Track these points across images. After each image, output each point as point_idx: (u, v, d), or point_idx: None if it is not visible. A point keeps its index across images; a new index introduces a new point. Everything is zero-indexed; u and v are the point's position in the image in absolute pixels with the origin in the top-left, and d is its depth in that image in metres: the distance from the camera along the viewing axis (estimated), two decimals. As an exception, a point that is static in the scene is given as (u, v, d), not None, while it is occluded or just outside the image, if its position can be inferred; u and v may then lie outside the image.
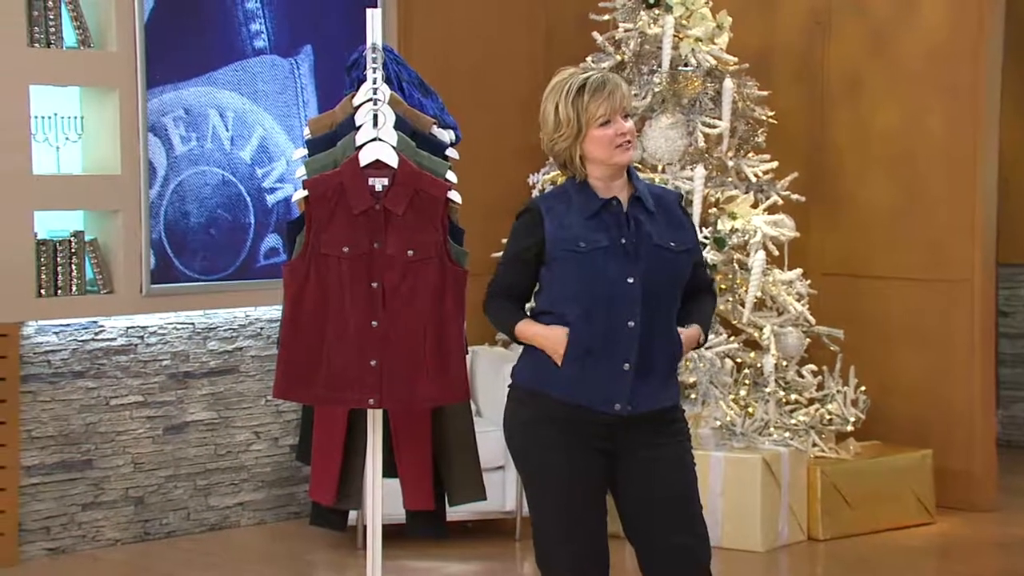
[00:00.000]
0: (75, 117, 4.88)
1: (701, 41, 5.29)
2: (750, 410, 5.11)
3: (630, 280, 2.89)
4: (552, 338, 2.93)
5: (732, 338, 5.20)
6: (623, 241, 2.91)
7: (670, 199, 3.04)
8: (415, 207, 3.41)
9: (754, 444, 5.03)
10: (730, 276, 5.24)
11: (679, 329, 2.98)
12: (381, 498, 3.49)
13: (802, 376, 5.30)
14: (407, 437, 3.56)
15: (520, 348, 3.06)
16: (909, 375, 5.63)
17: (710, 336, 4.96)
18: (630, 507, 2.97)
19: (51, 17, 4.76)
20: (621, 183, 2.98)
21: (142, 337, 5.05)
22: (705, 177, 5.22)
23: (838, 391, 5.32)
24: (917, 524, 5.27)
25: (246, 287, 5.17)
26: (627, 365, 2.90)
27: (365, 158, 3.41)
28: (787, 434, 5.11)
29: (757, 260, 5.12)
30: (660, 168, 5.34)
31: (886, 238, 5.71)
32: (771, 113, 5.48)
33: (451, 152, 3.59)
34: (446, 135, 3.60)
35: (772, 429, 5.11)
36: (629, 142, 2.94)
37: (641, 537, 2.98)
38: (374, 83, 3.43)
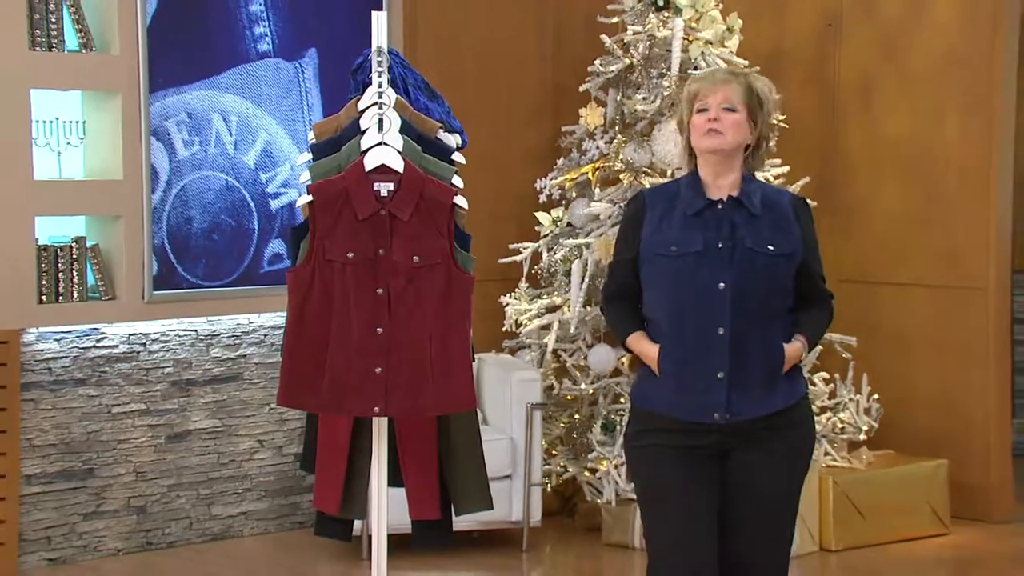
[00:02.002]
0: (77, 121, 4.86)
1: (711, 44, 5.26)
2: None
3: (721, 285, 2.86)
4: (649, 356, 2.94)
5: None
6: (719, 245, 2.88)
7: (783, 201, 2.99)
8: (421, 212, 3.38)
9: (765, 453, 4.98)
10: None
11: (787, 346, 2.93)
12: (386, 507, 3.46)
13: (814, 384, 5.25)
14: (412, 445, 3.54)
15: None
16: (923, 384, 5.58)
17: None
18: (721, 518, 2.95)
19: (53, 20, 4.73)
20: (732, 182, 2.94)
21: (144, 344, 5.01)
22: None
23: (851, 399, 5.28)
24: (931, 535, 5.22)
25: (250, 293, 5.14)
26: (721, 374, 2.87)
27: (370, 163, 3.38)
28: (799, 443, 5.06)
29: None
30: (670, 172, 5.30)
31: (900, 244, 5.66)
32: (782, 117, 5.42)
33: (457, 156, 3.57)
34: (452, 139, 3.58)
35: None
36: (715, 129, 2.90)
37: (722, 551, 2.94)
38: (379, 87, 3.41)
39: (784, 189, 3.13)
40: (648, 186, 5.14)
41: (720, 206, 2.92)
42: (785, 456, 2.92)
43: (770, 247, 2.89)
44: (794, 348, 2.94)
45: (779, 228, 2.93)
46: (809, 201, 5.26)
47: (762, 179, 5.21)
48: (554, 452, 5.29)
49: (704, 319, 2.87)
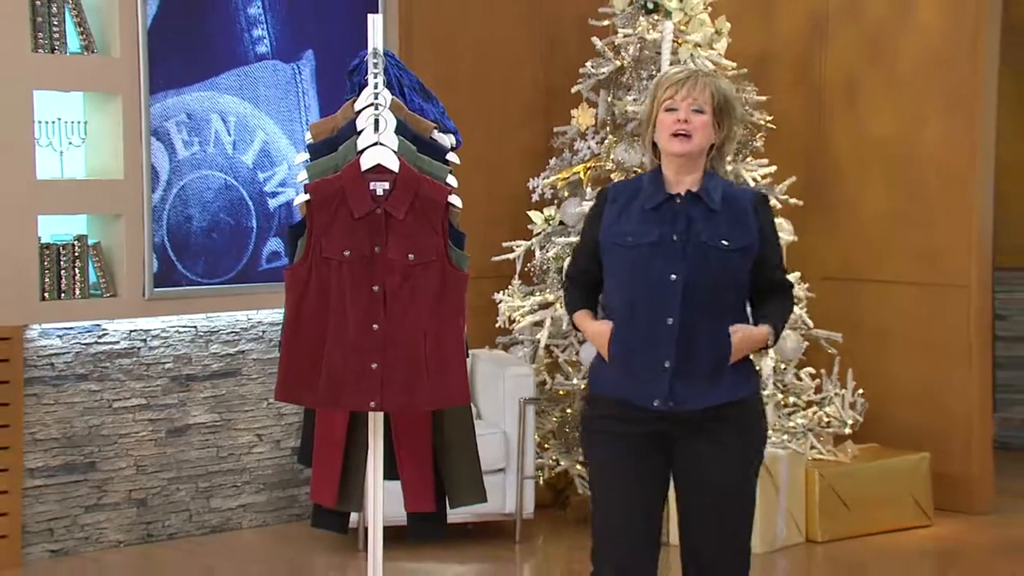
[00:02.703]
0: (79, 122, 4.91)
1: (700, 46, 5.32)
2: (748, 413, 5.13)
3: (673, 277, 2.87)
4: (598, 334, 2.95)
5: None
6: (674, 238, 2.89)
7: (744, 198, 2.98)
8: (416, 211, 3.41)
9: (752, 447, 5.05)
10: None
11: (745, 328, 2.91)
12: (382, 500, 3.50)
13: (800, 379, 5.32)
14: (408, 440, 3.57)
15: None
16: (907, 379, 5.65)
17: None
18: (678, 506, 2.99)
19: (55, 23, 4.78)
20: (694, 179, 2.95)
21: (145, 340, 5.07)
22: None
23: (836, 394, 5.34)
24: (914, 527, 5.29)
25: (248, 291, 5.18)
26: (667, 363, 2.88)
27: (366, 162, 3.41)
28: (785, 437, 5.14)
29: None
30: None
31: (884, 242, 5.73)
32: (769, 118, 5.51)
33: (452, 156, 3.59)
34: (447, 140, 3.61)
35: (770, 432, 5.13)
36: (685, 133, 2.90)
37: (681, 538, 3.00)
38: (375, 88, 3.44)
39: (747, 187, 3.16)
40: None
41: (679, 200, 2.93)
42: (736, 449, 2.92)
43: (724, 242, 2.90)
44: (759, 331, 2.93)
45: (737, 223, 2.93)
46: (795, 201, 5.43)
47: (749, 179, 5.36)
48: (546, 446, 5.35)
49: (655, 309, 2.89)
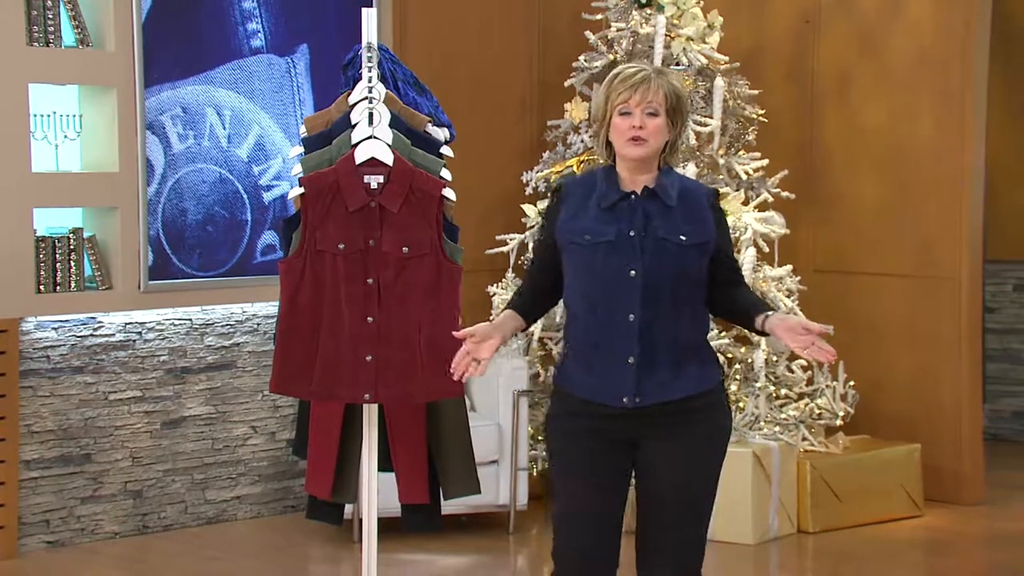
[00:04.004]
0: (74, 115, 4.91)
1: (692, 40, 5.34)
2: (741, 405, 5.17)
3: (632, 273, 2.88)
4: (494, 327, 2.93)
5: (723, 333, 5.26)
6: (631, 234, 2.90)
7: (700, 193, 2.98)
8: (410, 204, 3.43)
9: (744, 438, 5.09)
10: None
11: (780, 317, 2.89)
12: (376, 492, 3.53)
13: (792, 371, 5.35)
14: (402, 432, 3.60)
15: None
16: (897, 370, 5.68)
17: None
18: (639, 500, 2.99)
19: (50, 17, 4.79)
20: (649, 177, 2.95)
21: (140, 333, 5.09)
22: (696, 175, 5.28)
23: (827, 386, 5.36)
24: (905, 517, 5.32)
25: (243, 283, 5.20)
26: (631, 359, 2.89)
27: (360, 156, 3.44)
28: (777, 428, 5.17)
29: (747, 257, 5.18)
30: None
31: (875, 235, 5.76)
32: (761, 111, 5.53)
33: (446, 150, 3.62)
34: (441, 133, 3.63)
35: (762, 424, 5.16)
36: (641, 138, 2.90)
37: (639, 531, 3.00)
38: (369, 82, 3.46)
39: (701, 183, 3.14)
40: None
41: (634, 197, 2.93)
42: (699, 443, 2.93)
43: (682, 237, 2.90)
44: (790, 318, 2.91)
45: (694, 218, 2.93)
46: (787, 194, 5.45)
47: (741, 172, 5.38)
48: (540, 438, 5.37)
49: (615, 305, 2.89)
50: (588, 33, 5.47)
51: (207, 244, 5.14)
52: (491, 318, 5.52)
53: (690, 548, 2.97)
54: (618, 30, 5.40)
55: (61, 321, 4.89)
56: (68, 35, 4.86)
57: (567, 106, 5.53)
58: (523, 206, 5.52)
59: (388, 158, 3.45)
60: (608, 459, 2.94)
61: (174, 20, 5.02)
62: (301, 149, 3.59)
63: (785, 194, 5.47)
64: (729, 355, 5.27)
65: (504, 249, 5.51)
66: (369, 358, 3.42)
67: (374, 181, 3.43)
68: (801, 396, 5.35)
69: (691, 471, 2.94)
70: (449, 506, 3.85)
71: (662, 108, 2.92)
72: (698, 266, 2.94)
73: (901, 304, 5.68)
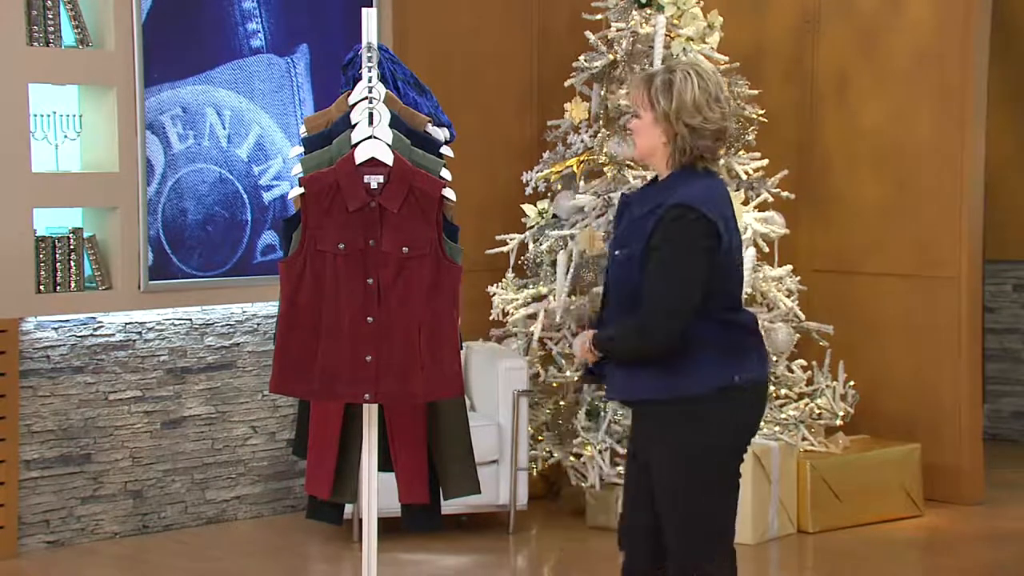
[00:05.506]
0: (74, 115, 4.93)
1: (692, 40, 5.34)
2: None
3: (606, 284, 3.12)
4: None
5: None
6: (611, 243, 3.12)
7: (663, 204, 2.97)
8: (410, 204, 3.43)
9: (744, 438, 5.08)
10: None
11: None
12: (376, 492, 3.53)
13: (792, 371, 5.35)
14: (402, 432, 3.59)
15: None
16: (897, 370, 5.69)
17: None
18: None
19: (50, 17, 4.80)
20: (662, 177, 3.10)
21: (140, 333, 5.10)
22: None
23: (827, 386, 5.37)
24: (905, 517, 5.33)
25: (243, 283, 5.21)
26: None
27: (360, 156, 3.43)
28: (777, 428, 5.17)
29: (747, 257, 5.18)
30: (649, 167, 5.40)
31: (875, 235, 5.77)
32: (761, 112, 5.54)
33: (446, 150, 3.62)
34: (441, 133, 3.63)
35: (762, 423, 5.16)
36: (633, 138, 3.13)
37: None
38: (369, 81, 3.46)
39: (677, 196, 3.13)
40: (631, 179, 5.26)
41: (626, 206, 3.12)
42: (672, 454, 3.03)
43: (616, 252, 3.05)
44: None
45: (635, 232, 3.00)
46: (787, 194, 5.46)
47: (741, 172, 5.39)
48: (540, 438, 5.38)
49: (608, 315, 3.12)
50: (588, 33, 5.47)
51: (207, 244, 5.14)
52: (490, 318, 5.57)
53: (686, 557, 3.16)
54: (618, 30, 5.40)
55: (61, 321, 4.90)
56: (68, 35, 4.87)
57: (567, 106, 5.54)
58: (523, 206, 5.53)
59: (388, 158, 3.44)
60: (632, 457, 3.25)
61: (174, 20, 5.02)
62: (301, 149, 3.59)
63: (785, 194, 5.48)
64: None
65: (504, 249, 5.51)
66: (369, 358, 3.42)
67: (374, 181, 3.43)
68: (801, 396, 5.36)
69: (671, 480, 3.12)
70: (449, 506, 3.85)
71: (646, 110, 3.03)
72: (634, 281, 3.00)
73: (902, 304, 5.69)
